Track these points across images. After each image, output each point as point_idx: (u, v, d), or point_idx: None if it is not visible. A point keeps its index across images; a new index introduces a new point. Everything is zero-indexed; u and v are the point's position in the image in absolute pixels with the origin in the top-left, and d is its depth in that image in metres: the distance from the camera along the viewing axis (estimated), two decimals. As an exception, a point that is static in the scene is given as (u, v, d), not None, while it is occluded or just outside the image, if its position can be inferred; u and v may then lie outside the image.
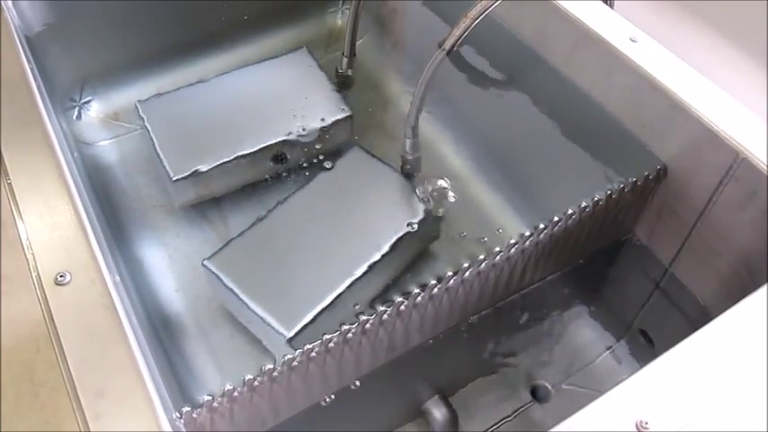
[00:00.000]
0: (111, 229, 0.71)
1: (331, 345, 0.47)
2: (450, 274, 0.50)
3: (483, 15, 0.60)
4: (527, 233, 0.53)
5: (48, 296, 0.41)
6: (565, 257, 0.61)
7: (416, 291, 0.49)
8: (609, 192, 0.57)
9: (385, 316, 0.48)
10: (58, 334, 0.40)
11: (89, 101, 0.84)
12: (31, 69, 0.56)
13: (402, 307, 0.49)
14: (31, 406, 0.38)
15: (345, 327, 0.47)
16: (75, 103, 0.83)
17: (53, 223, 0.45)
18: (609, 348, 0.75)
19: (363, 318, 0.47)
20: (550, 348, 0.74)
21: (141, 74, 0.85)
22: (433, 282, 0.50)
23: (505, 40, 0.69)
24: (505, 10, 0.67)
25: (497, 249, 0.52)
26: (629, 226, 0.65)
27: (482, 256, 0.51)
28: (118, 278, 0.47)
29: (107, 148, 0.82)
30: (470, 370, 0.69)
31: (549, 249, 0.57)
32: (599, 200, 0.57)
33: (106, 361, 0.39)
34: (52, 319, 0.40)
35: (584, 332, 0.75)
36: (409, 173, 0.72)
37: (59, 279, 0.42)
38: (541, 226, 0.54)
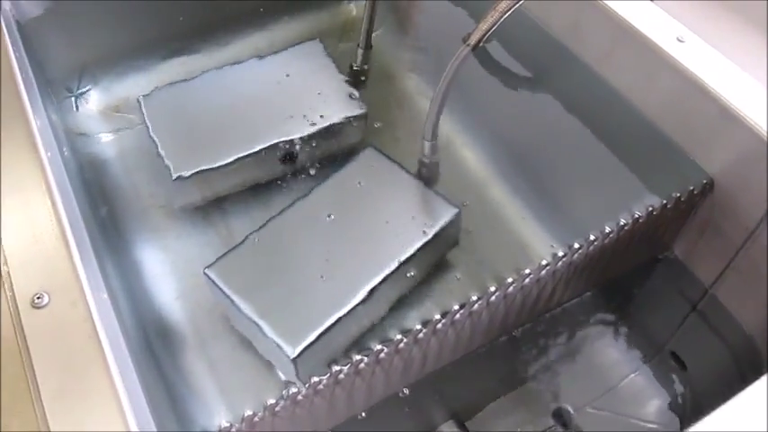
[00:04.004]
0: (105, 229, 0.68)
1: (341, 376, 0.42)
2: (474, 298, 0.45)
3: (513, 9, 0.54)
4: (560, 253, 0.48)
5: (23, 320, 0.36)
6: (596, 277, 0.57)
7: (437, 317, 0.44)
8: (650, 208, 0.51)
9: (401, 345, 0.44)
10: (32, 364, 0.35)
11: (88, 90, 0.80)
12: (18, 57, 0.52)
13: (420, 335, 0.44)
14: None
15: (357, 357, 0.42)
16: (72, 93, 0.79)
17: (33, 236, 0.40)
18: (636, 370, 0.70)
19: (377, 347, 0.42)
20: (574, 369, 0.70)
21: (144, 62, 0.81)
22: (456, 307, 0.45)
23: (536, 36, 0.64)
24: (537, 3, 0.62)
25: (527, 272, 0.47)
26: (667, 242, 0.60)
27: (510, 279, 0.46)
28: (105, 295, 0.42)
29: (106, 141, 0.78)
30: (489, 393, 0.64)
31: (582, 269, 0.52)
32: (639, 217, 0.51)
33: (85, 398, 0.34)
34: (27, 347, 0.36)
35: (610, 352, 0.71)
36: (426, 177, 0.67)
37: (36, 301, 0.37)
38: (576, 245, 0.49)
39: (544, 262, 0.48)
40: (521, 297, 0.49)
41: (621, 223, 0.50)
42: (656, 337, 0.68)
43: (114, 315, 0.43)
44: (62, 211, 0.41)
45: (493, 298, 0.46)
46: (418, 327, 0.43)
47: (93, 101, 0.80)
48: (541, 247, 0.56)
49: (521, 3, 0.54)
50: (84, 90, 0.79)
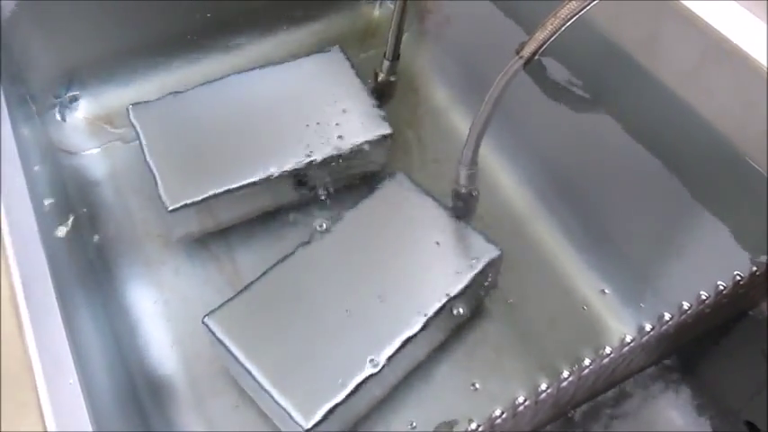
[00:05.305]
0: (89, 263, 0.62)
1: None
2: (543, 387, 0.36)
3: (578, 15, 0.46)
4: (647, 327, 0.39)
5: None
6: (676, 343, 0.47)
7: (498, 413, 0.35)
8: (753, 268, 0.42)
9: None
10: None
11: (76, 98, 0.73)
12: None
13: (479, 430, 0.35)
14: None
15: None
16: (58, 100, 0.72)
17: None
18: (702, 438, 0.61)
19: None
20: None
21: (142, 68, 0.75)
22: (521, 399, 0.35)
23: (601, 48, 0.56)
24: (604, 9, 0.53)
25: (608, 351, 0.37)
26: (756, 299, 0.51)
27: (587, 362, 0.37)
28: (73, 379, 0.33)
29: (95, 158, 0.71)
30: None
31: (664, 339, 0.43)
32: (740, 279, 0.42)
33: None
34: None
35: (671, 417, 0.62)
36: (462, 210, 0.59)
37: (-28, 406, 0.28)
38: (666, 317, 0.39)
39: (628, 338, 0.38)
40: (593, 377, 0.40)
41: (720, 288, 0.41)
42: (729, 403, 0.59)
43: (85, 406, 0.34)
44: (17, 281, 0.32)
45: (564, 383, 0.37)
46: (473, 427, 0.34)
47: (82, 111, 0.74)
48: (616, 314, 0.46)
49: (589, 7, 0.45)
50: (72, 98, 0.73)
